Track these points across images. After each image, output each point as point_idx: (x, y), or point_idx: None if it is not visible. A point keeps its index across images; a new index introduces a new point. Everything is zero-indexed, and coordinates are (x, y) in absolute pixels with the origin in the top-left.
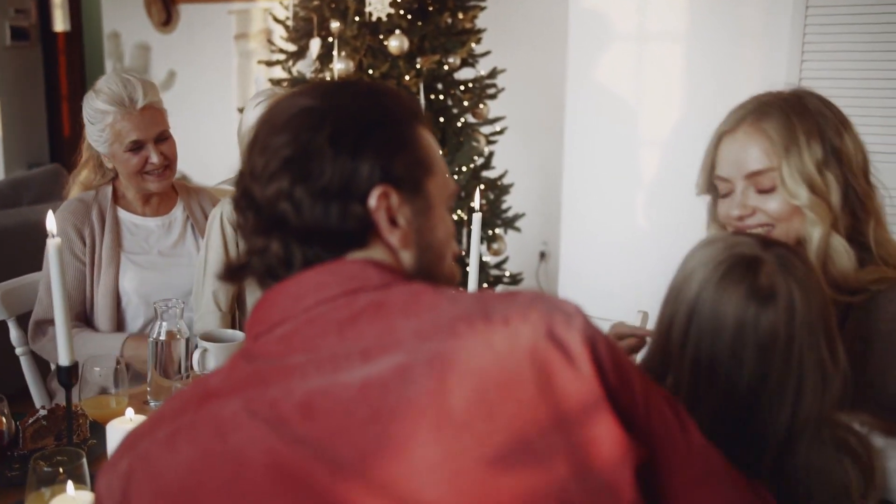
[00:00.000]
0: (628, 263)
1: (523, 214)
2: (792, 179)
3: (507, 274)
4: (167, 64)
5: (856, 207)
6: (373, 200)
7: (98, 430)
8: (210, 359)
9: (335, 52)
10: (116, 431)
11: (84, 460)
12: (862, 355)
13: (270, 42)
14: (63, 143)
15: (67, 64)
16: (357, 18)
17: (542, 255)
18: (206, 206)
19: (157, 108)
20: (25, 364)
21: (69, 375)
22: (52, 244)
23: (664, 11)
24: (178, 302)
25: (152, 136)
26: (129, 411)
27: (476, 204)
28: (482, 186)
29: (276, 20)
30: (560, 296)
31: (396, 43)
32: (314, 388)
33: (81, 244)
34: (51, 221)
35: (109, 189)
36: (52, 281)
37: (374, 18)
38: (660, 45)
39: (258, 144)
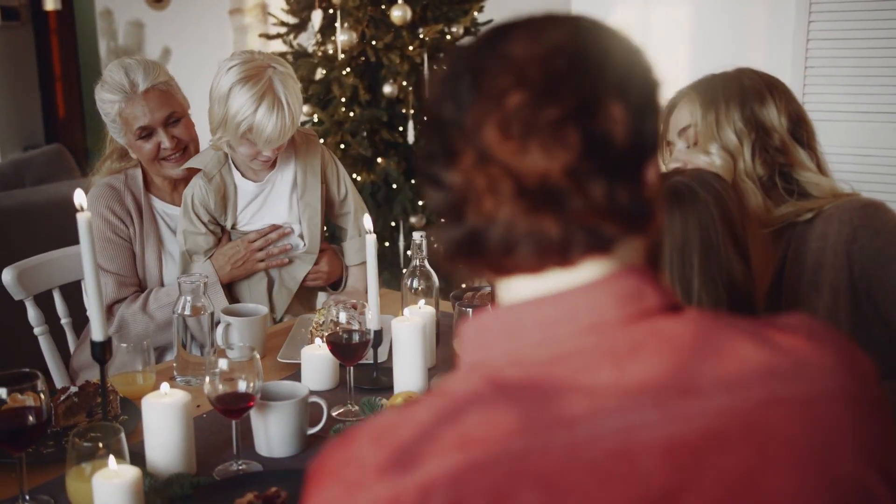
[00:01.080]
0: None
1: None
2: (704, 136)
3: None
4: (161, 41)
5: (776, 159)
6: (651, 174)
7: (127, 406)
8: (233, 333)
9: (338, 24)
10: (152, 407)
11: (123, 435)
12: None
13: (271, 14)
14: (58, 125)
15: (60, 43)
16: None
17: None
18: None
19: (162, 90)
20: (45, 343)
21: (103, 351)
22: (83, 218)
23: None
24: (201, 277)
25: (160, 119)
26: (165, 386)
27: None
28: None
29: None
30: None
31: (399, 13)
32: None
33: (123, 226)
34: (79, 195)
35: (139, 174)
36: (83, 255)
37: None
38: (665, 9)
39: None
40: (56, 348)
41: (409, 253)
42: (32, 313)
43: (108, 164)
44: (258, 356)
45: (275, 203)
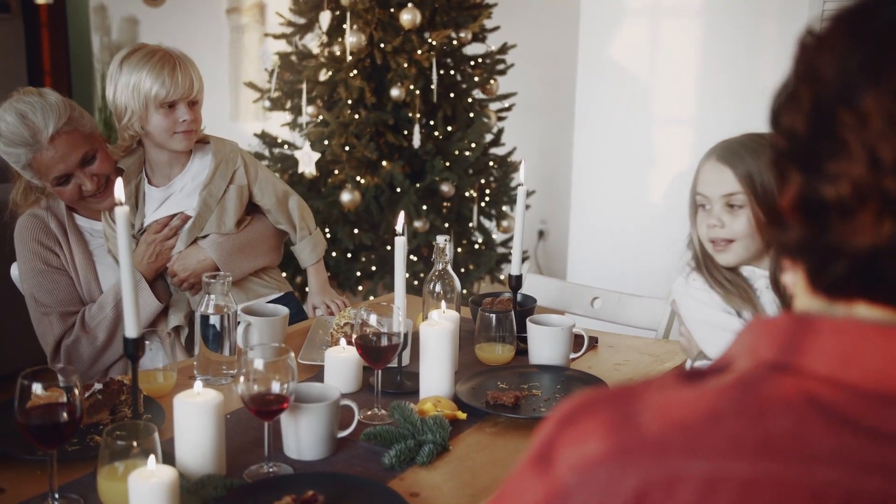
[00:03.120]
0: (639, 243)
1: (533, 192)
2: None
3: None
4: (156, 38)
5: None
6: None
7: (149, 404)
8: (253, 333)
9: (346, 25)
10: (185, 406)
11: (156, 434)
12: None
13: (279, 14)
14: None
15: (51, 37)
16: None
17: (541, 234)
18: None
19: (70, 130)
20: None
21: (136, 348)
22: (121, 213)
23: None
24: (225, 275)
25: (74, 163)
26: (198, 385)
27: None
28: (492, 163)
29: None
30: (568, 275)
31: (409, 16)
32: None
33: (53, 255)
34: (119, 188)
35: (61, 203)
36: (119, 246)
37: None
38: (675, 19)
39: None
40: None
41: (413, 258)
42: None
43: (21, 201)
44: (293, 357)
45: (173, 205)
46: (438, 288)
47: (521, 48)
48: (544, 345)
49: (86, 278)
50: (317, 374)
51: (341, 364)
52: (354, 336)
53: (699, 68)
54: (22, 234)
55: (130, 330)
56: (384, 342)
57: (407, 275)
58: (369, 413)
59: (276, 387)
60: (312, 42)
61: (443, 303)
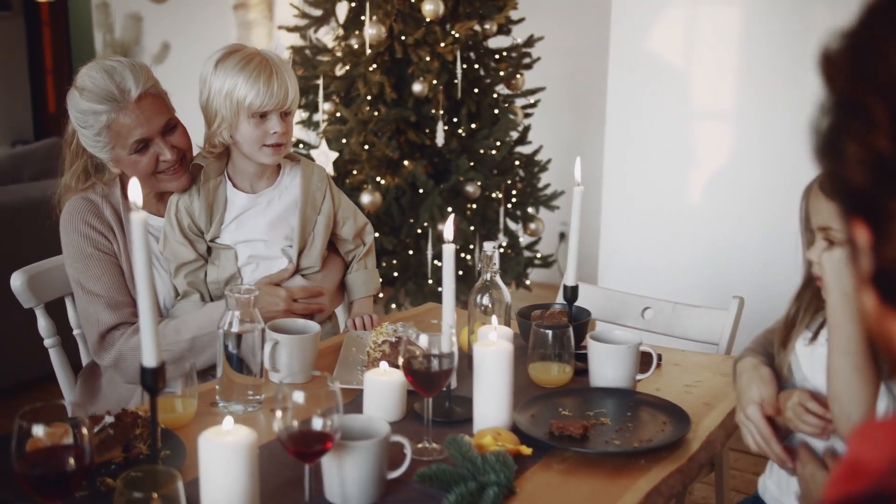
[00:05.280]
0: (676, 246)
1: (562, 192)
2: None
3: (539, 255)
4: (160, 35)
5: None
6: None
7: (168, 437)
8: (281, 352)
9: (366, 16)
10: (213, 448)
11: (180, 483)
12: None
13: (293, 6)
14: (48, 120)
15: (52, 35)
16: None
17: (562, 236)
18: None
19: (155, 94)
20: (56, 357)
21: (156, 379)
22: (137, 219)
23: None
24: (252, 288)
25: (157, 128)
26: (228, 421)
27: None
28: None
29: None
30: (599, 281)
31: (431, 6)
32: None
33: (105, 240)
34: (135, 188)
35: (117, 188)
36: (135, 263)
37: None
38: (713, 7)
39: None
40: (68, 362)
41: (438, 263)
42: (43, 323)
43: (75, 185)
44: (338, 387)
45: (258, 217)
46: (486, 300)
47: (548, 41)
48: (607, 365)
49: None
50: (353, 398)
51: (383, 389)
52: (401, 359)
53: (739, 59)
54: (71, 216)
55: (149, 357)
56: (435, 366)
57: (430, 281)
58: (419, 446)
59: (317, 423)
60: (327, 36)
61: (494, 318)
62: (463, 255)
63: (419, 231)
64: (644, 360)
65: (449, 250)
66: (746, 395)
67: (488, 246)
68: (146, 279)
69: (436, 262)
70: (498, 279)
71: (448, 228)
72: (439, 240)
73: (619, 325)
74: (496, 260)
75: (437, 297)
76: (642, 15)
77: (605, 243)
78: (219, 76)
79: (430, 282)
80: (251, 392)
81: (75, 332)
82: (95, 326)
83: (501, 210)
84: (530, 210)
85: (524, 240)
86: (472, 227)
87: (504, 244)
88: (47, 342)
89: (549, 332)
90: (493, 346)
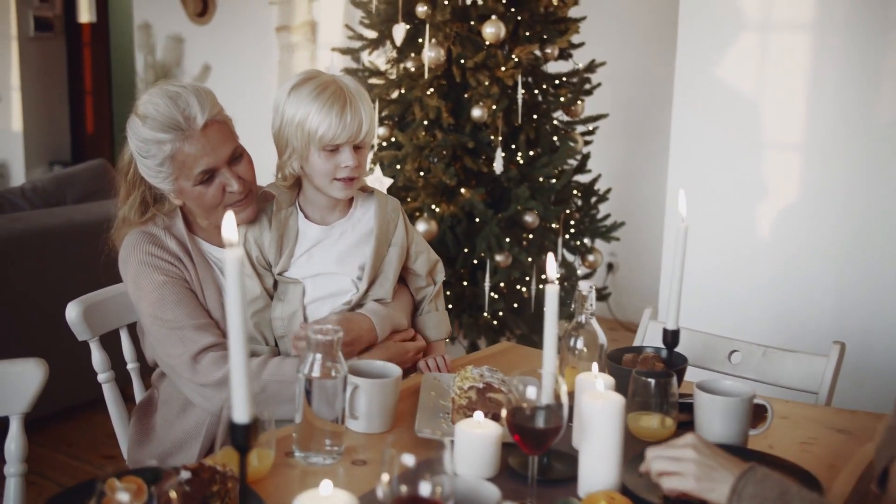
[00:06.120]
0: (743, 282)
1: (622, 223)
2: None
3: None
4: (202, 57)
5: None
6: None
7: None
8: (360, 398)
9: (426, 39)
10: None
11: None
12: None
13: (348, 27)
14: (85, 141)
15: (93, 56)
16: (446, 2)
17: (610, 267)
18: None
19: (221, 121)
20: (109, 393)
21: (247, 436)
22: (233, 257)
23: None
24: (337, 329)
25: (224, 158)
26: (326, 485)
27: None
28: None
29: (356, 3)
30: (660, 314)
31: (492, 29)
32: None
33: (174, 267)
34: (229, 224)
35: (179, 219)
36: (228, 308)
37: (468, 1)
38: (784, 35)
39: None
40: (122, 399)
41: (494, 295)
42: (98, 357)
43: (134, 217)
44: (448, 441)
45: (329, 249)
46: (580, 344)
47: (610, 66)
48: (716, 418)
49: (212, 307)
50: (437, 451)
51: (478, 443)
52: (505, 413)
53: (810, 88)
54: (133, 249)
55: (240, 411)
56: (543, 421)
57: (486, 314)
58: None
59: (427, 488)
60: (379, 59)
61: (594, 366)
62: (519, 287)
63: (475, 262)
64: (755, 413)
65: (552, 291)
66: None
67: (584, 285)
68: (239, 326)
69: (492, 294)
70: (593, 321)
71: (551, 266)
72: (496, 271)
73: (707, 370)
74: (592, 300)
75: (493, 331)
76: (710, 40)
77: (668, 278)
78: (291, 104)
79: (487, 315)
80: (329, 442)
81: (130, 366)
82: (184, 351)
83: (560, 241)
84: (586, 241)
85: (581, 272)
86: (530, 259)
87: (559, 276)
88: (102, 377)
89: (652, 381)
90: (603, 398)
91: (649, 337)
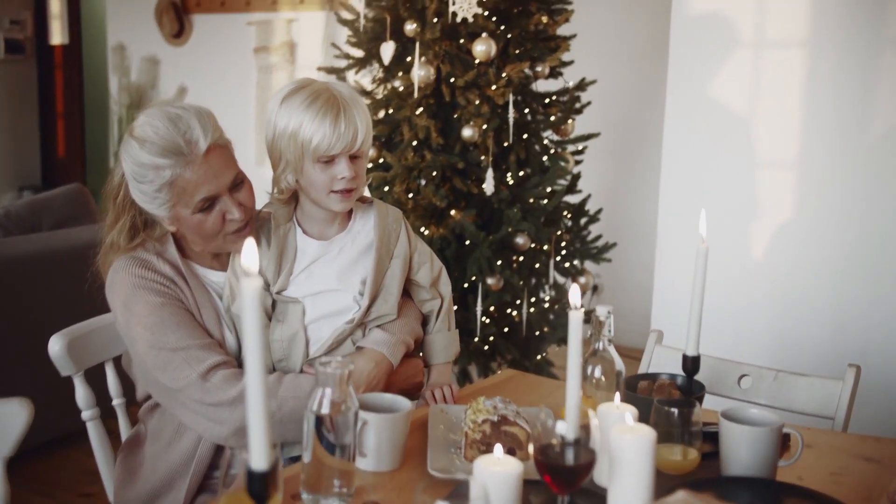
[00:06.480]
0: (737, 304)
1: (614, 244)
2: None
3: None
4: (178, 79)
5: None
6: None
7: None
8: (369, 435)
9: (416, 57)
10: None
11: None
12: None
13: (334, 46)
14: (57, 165)
15: (65, 79)
16: (435, 20)
17: (595, 289)
18: None
19: (223, 146)
20: (94, 431)
21: (266, 485)
22: (251, 288)
23: (783, 14)
24: (347, 361)
25: (226, 184)
26: None
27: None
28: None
29: (343, 22)
30: (651, 332)
31: (483, 47)
32: None
33: (167, 288)
34: (250, 250)
35: (171, 244)
36: (246, 343)
37: (458, 19)
38: (778, 52)
39: None
40: (107, 437)
41: (486, 319)
42: (83, 393)
43: (123, 243)
44: (469, 480)
45: (329, 265)
46: (598, 373)
47: (600, 85)
48: (743, 449)
49: (216, 336)
50: (452, 490)
51: (500, 481)
52: (532, 450)
53: (804, 105)
54: (121, 275)
55: (259, 458)
56: (572, 458)
57: (476, 339)
58: None
59: None
60: (364, 78)
61: (617, 396)
62: (510, 311)
63: (465, 285)
64: (784, 444)
65: (576, 319)
66: None
67: (601, 310)
68: (259, 365)
69: (484, 318)
70: (611, 348)
71: (574, 294)
72: (487, 294)
73: (717, 396)
74: (611, 326)
75: (484, 356)
76: (703, 57)
77: (660, 300)
78: (283, 114)
79: (477, 340)
80: (338, 482)
81: (115, 402)
82: (192, 371)
83: (551, 263)
84: (576, 262)
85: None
86: (521, 282)
87: (547, 299)
88: (86, 414)
89: (675, 411)
90: (633, 431)
91: (655, 362)
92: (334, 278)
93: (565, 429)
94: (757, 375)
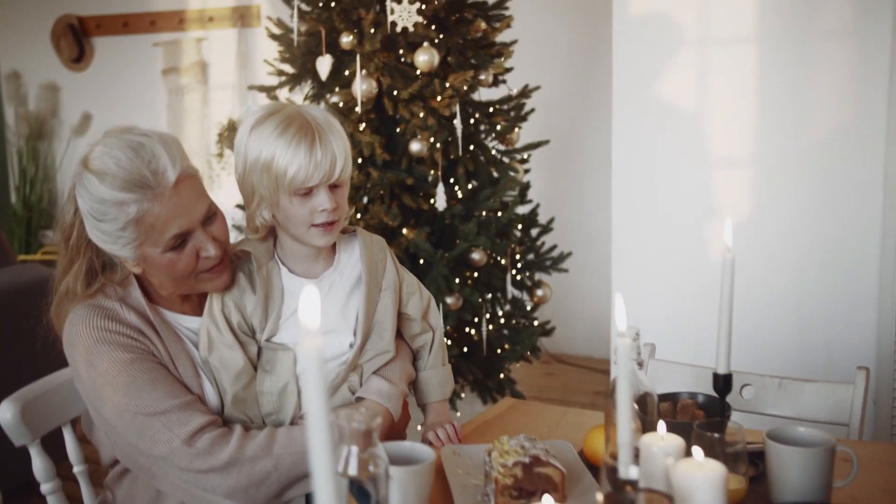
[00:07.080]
0: (696, 307)
1: (569, 254)
2: None
3: (536, 323)
4: (81, 106)
5: None
6: None
7: None
8: (394, 489)
9: (357, 70)
10: None
11: None
12: None
13: (267, 62)
14: None
15: None
16: (373, 31)
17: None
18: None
19: (192, 175)
20: None
21: None
22: (312, 350)
23: (727, 11)
24: (372, 414)
25: (198, 218)
26: None
27: None
28: (520, 226)
29: (273, 37)
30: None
31: (425, 57)
32: None
33: (135, 341)
34: (313, 298)
35: (135, 287)
36: (308, 410)
37: (398, 29)
38: (724, 49)
39: None
40: None
41: (448, 342)
42: (40, 464)
43: (86, 285)
44: None
45: (321, 305)
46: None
47: (545, 91)
48: (795, 472)
49: (195, 389)
50: None
51: None
52: (600, 498)
53: (753, 101)
54: (80, 328)
55: None
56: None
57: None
58: None
59: None
60: (296, 96)
61: (661, 424)
62: (468, 330)
63: None
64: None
65: (625, 349)
66: None
67: (629, 331)
68: (325, 444)
69: (447, 341)
70: (642, 375)
71: (620, 315)
72: (447, 314)
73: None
74: (639, 348)
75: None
76: (647, 58)
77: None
78: (253, 145)
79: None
80: None
81: (76, 469)
82: (173, 437)
83: (508, 277)
84: (533, 275)
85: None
86: (480, 299)
87: (501, 313)
88: (45, 487)
89: (717, 436)
90: (704, 468)
91: (652, 377)
92: (328, 319)
93: (634, 472)
94: (759, 384)
